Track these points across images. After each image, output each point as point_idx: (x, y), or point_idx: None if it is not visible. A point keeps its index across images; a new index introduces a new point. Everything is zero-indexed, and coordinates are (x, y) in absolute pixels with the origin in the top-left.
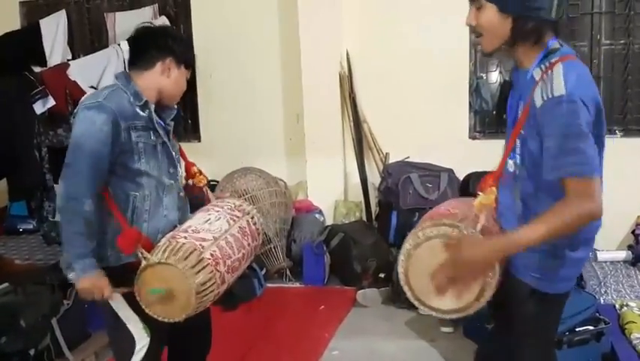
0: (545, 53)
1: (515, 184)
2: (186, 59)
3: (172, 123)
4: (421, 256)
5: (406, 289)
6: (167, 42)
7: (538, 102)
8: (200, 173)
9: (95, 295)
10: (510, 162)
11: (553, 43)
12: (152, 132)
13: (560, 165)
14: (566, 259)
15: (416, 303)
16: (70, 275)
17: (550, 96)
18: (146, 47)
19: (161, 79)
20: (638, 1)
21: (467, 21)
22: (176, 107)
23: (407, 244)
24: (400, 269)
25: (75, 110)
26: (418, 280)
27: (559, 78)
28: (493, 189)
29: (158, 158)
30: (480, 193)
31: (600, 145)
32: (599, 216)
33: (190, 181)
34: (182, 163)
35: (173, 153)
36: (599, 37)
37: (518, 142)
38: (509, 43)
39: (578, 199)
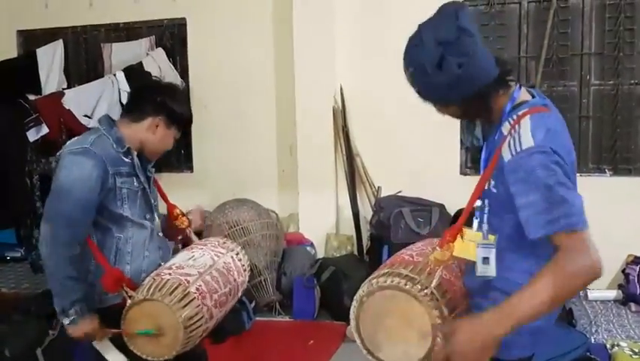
0: (511, 105)
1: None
2: (179, 121)
3: (153, 170)
4: (372, 305)
5: (355, 336)
6: (165, 101)
7: (507, 157)
8: (183, 215)
9: (89, 338)
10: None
11: (518, 94)
12: (134, 178)
13: (550, 220)
14: (523, 327)
15: (364, 352)
16: (66, 322)
17: (519, 150)
18: (142, 100)
19: (147, 134)
20: (627, 43)
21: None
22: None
23: (361, 291)
24: (352, 315)
25: (58, 154)
26: (368, 328)
27: (526, 131)
28: (451, 245)
29: (137, 203)
30: (437, 248)
31: None
32: (600, 271)
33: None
34: (157, 210)
35: (152, 200)
36: (588, 77)
37: (481, 198)
38: (468, 120)
39: (575, 254)
